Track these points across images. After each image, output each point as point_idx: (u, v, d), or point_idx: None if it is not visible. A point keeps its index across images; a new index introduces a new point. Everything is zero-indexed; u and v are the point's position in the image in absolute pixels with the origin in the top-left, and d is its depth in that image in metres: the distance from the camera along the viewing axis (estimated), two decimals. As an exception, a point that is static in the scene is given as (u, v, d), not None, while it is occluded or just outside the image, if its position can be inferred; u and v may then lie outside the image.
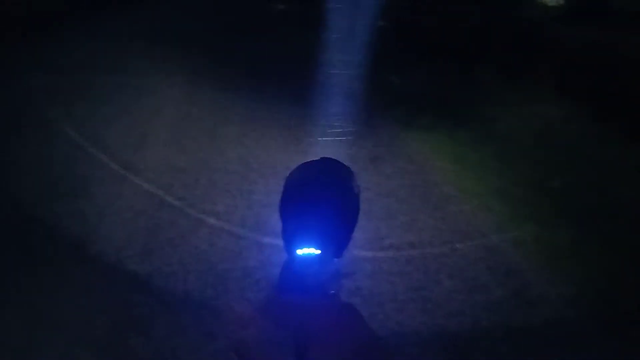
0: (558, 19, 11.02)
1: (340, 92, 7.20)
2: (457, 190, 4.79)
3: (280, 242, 1.18)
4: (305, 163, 1.23)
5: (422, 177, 5.05)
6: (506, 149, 5.88)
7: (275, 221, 1.22)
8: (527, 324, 3.29)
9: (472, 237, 4.10)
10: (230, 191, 4.43)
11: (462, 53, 9.29)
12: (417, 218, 4.17)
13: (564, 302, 3.51)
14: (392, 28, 11.06)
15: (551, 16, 11.42)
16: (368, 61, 9.15)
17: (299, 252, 1.12)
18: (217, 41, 8.94)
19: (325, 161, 1.24)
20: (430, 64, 9.51)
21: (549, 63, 8.76)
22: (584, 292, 3.58)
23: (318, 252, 1.12)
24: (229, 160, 5.05)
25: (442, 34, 10.07)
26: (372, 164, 5.33)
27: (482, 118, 6.87)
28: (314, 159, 1.24)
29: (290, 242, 1.15)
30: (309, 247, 1.12)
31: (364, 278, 3.52)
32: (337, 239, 1.17)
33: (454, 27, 10.24)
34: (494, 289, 3.59)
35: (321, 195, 1.15)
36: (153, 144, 5.19)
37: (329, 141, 5.37)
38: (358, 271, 2.63)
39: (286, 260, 1.17)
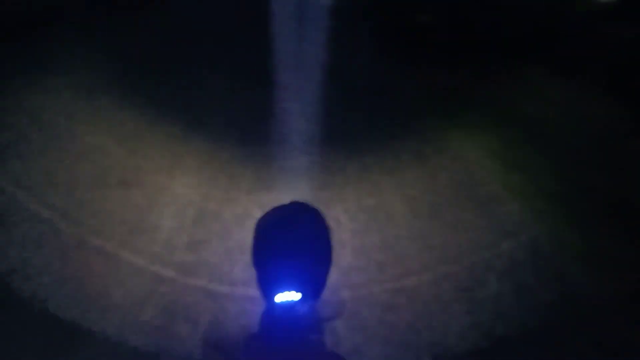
0: (608, 15, 10.66)
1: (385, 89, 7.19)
2: (503, 189, 4.73)
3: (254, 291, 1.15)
4: (274, 208, 1.20)
5: (468, 175, 5.01)
6: (554, 149, 5.78)
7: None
8: (574, 327, 3.26)
9: (519, 238, 4.06)
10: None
11: (510, 49, 9.13)
12: (462, 217, 4.15)
13: (612, 305, 3.46)
14: (437, 23, 10.91)
15: (601, 11, 11.06)
16: (413, 57, 9.13)
17: (279, 297, 1.10)
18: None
19: (294, 205, 1.21)
20: (476, 60, 9.38)
21: (599, 60, 8.52)
22: (634, 296, 3.51)
23: (299, 296, 1.10)
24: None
25: (489, 30, 9.89)
26: (417, 160, 5.32)
27: (529, 116, 6.74)
28: (283, 203, 1.21)
29: (269, 288, 1.12)
30: (289, 292, 1.10)
31: (408, 275, 3.56)
32: (315, 282, 1.15)
33: (501, 23, 10.03)
34: (541, 291, 3.56)
35: (296, 239, 1.14)
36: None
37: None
38: (339, 315, 2.58)
39: (265, 308, 1.15)
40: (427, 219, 4.07)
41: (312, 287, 1.15)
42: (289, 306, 1.10)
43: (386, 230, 3.83)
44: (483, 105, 7.20)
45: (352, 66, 9.89)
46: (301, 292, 1.10)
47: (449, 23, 10.73)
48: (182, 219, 3.70)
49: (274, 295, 1.10)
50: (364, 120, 6.49)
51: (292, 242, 1.14)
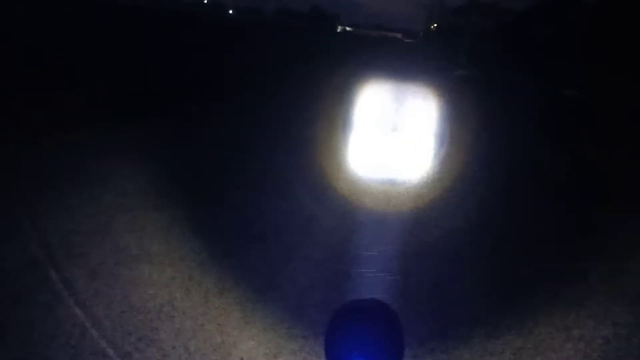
0: None
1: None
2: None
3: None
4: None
5: (616, 265, 4.56)
6: None
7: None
8: None
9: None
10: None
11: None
12: (611, 309, 3.75)
13: None
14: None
15: None
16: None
17: None
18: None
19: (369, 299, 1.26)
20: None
21: None
22: None
23: None
24: None
25: None
26: (561, 245, 5.00)
27: None
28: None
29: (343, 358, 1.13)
30: None
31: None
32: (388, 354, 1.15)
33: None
34: None
35: (370, 313, 1.20)
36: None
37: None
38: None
39: None
40: (571, 306, 3.74)
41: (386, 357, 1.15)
42: None
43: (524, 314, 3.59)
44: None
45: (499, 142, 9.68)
46: None
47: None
48: None
49: None
50: (504, 198, 6.27)
51: (366, 312, 1.21)
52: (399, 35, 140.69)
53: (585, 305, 3.77)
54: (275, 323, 3.24)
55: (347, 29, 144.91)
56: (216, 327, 3.15)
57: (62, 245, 3.88)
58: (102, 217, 4.42)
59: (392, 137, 8.96)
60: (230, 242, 4.26)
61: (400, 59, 35.54)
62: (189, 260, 3.86)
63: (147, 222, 4.41)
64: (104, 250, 3.86)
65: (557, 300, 3.82)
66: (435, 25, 63.84)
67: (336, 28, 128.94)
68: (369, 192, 5.89)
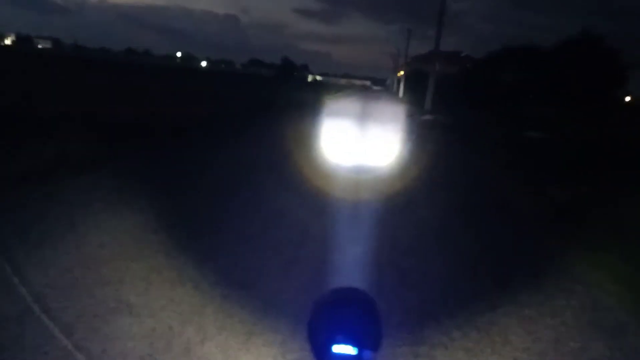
0: None
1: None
2: (635, 319, 4.34)
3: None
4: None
5: (592, 301, 4.68)
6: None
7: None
8: None
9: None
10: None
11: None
12: (589, 346, 3.83)
13: None
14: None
15: None
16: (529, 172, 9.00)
17: (336, 349, 1.13)
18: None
19: (349, 287, 1.31)
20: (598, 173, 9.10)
21: None
22: None
23: (354, 352, 1.13)
24: None
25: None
26: (534, 279, 5.11)
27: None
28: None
29: (325, 340, 1.15)
30: (345, 346, 1.13)
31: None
32: (372, 336, 1.19)
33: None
34: None
35: (353, 298, 1.27)
36: None
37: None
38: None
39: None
40: (548, 344, 3.80)
41: (369, 341, 1.18)
42: (348, 358, 1.13)
43: (502, 352, 3.63)
44: (606, 222, 6.89)
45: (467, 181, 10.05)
46: (357, 347, 1.14)
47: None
48: None
49: (331, 346, 1.14)
50: (477, 236, 6.42)
51: (350, 295, 1.27)
52: (367, 83, 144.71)
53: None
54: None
55: (318, 78, 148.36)
56: (199, 378, 3.10)
57: (37, 301, 3.79)
58: (78, 270, 4.34)
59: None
60: (210, 291, 4.22)
61: (368, 104, 36.37)
62: (169, 310, 3.81)
63: (125, 273, 4.35)
64: (81, 303, 3.78)
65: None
66: (402, 72, 65.91)
67: (306, 77, 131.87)
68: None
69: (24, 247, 4.70)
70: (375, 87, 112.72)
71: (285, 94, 38.21)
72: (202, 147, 11.57)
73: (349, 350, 1.14)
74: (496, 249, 6.01)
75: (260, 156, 11.18)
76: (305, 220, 6.38)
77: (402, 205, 7.50)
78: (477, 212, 7.79)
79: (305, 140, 13.44)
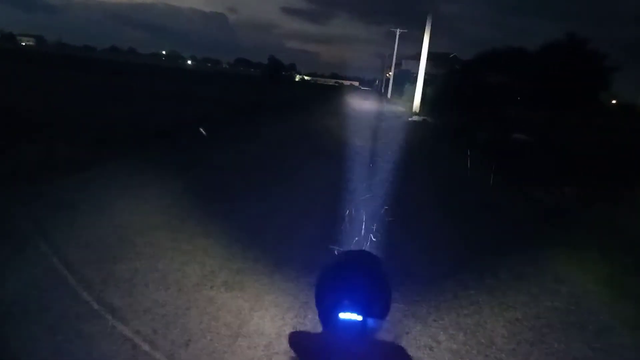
0: None
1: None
2: (617, 320, 4.40)
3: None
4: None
5: (576, 301, 4.72)
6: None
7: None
8: None
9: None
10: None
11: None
12: (573, 346, 3.86)
13: None
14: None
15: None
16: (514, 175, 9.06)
17: (342, 315, 1.15)
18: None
19: (358, 250, 1.38)
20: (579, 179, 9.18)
21: None
22: None
23: (360, 318, 1.16)
24: None
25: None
26: (516, 281, 5.14)
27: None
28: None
29: (333, 308, 1.18)
30: (351, 313, 1.15)
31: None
32: (377, 305, 1.21)
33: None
34: None
35: (361, 263, 1.28)
36: None
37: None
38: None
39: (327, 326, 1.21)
40: (532, 346, 3.83)
41: (375, 310, 1.20)
42: (353, 324, 1.15)
43: (487, 353, 3.65)
44: (590, 224, 6.96)
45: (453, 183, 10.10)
46: (363, 314, 1.17)
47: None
48: (282, 323, 3.76)
49: (337, 313, 1.16)
50: (464, 237, 6.46)
51: (356, 264, 1.28)
52: (355, 83, 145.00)
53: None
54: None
55: (306, 78, 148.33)
56: (182, 381, 3.08)
57: (19, 302, 3.74)
58: (61, 271, 4.28)
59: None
60: (193, 292, 4.19)
61: (357, 105, 36.42)
62: (152, 312, 3.78)
63: (108, 275, 4.30)
64: (63, 305, 3.73)
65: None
66: (390, 73, 66.11)
67: (294, 77, 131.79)
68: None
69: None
70: (363, 88, 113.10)
71: (273, 94, 38.12)
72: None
73: (355, 317, 1.16)
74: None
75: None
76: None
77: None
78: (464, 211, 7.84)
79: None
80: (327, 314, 1.20)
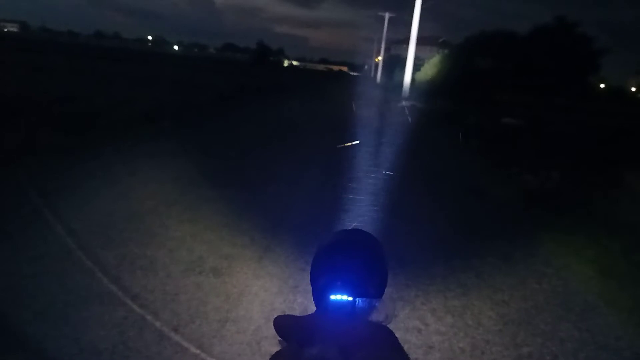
0: None
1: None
2: (602, 300, 4.46)
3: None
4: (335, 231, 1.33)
5: (562, 283, 4.78)
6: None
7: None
8: None
9: (622, 355, 3.75)
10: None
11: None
12: (559, 327, 3.92)
13: None
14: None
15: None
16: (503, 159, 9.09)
17: (333, 297, 1.15)
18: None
19: (354, 229, 1.33)
20: (566, 163, 9.23)
21: None
22: None
23: (350, 299, 1.15)
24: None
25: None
26: (503, 263, 5.19)
27: (634, 225, 6.44)
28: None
29: (324, 288, 1.17)
30: (342, 294, 1.15)
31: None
32: (371, 286, 1.20)
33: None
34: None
35: (356, 242, 1.27)
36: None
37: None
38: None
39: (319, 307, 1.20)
40: (519, 326, 3.88)
41: (368, 291, 1.19)
42: (344, 305, 1.15)
43: (474, 334, 3.69)
44: (580, 209, 7.04)
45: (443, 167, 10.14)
46: (354, 295, 1.15)
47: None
48: (270, 309, 3.77)
49: (330, 294, 1.15)
50: (452, 222, 6.49)
51: (350, 244, 1.26)
52: (344, 69, 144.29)
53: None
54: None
55: (294, 63, 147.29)
56: (172, 366, 3.09)
57: (6, 290, 3.72)
58: (47, 259, 4.26)
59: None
60: (182, 277, 4.19)
61: (349, 91, 36.27)
62: (141, 299, 3.77)
63: (96, 262, 4.28)
64: (51, 292, 3.71)
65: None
66: (380, 58, 65.85)
67: (282, 62, 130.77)
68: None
69: None
70: (352, 73, 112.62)
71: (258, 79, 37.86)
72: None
73: (346, 298, 1.15)
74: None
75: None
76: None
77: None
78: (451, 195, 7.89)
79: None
80: (319, 296, 1.20)
